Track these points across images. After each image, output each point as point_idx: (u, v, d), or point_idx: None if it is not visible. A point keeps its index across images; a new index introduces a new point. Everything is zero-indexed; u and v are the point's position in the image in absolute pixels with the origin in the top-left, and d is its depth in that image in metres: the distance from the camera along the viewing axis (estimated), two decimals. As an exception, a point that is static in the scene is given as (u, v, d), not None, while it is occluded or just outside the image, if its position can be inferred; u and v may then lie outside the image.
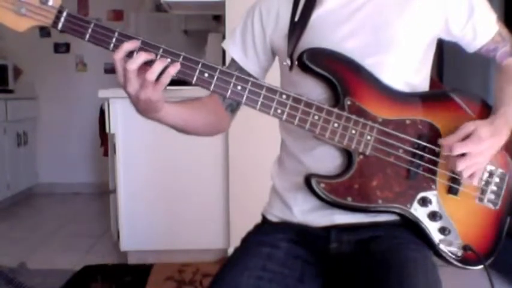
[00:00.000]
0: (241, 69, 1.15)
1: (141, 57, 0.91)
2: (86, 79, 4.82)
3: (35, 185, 4.74)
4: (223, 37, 3.07)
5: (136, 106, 0.98)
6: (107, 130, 2.73)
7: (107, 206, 3.18)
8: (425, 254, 1.03)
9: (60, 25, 0.93)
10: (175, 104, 1.05)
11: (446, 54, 3.11)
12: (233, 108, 1.18)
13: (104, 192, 3.71)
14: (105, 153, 3.38)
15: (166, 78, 0.93)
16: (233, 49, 1.18)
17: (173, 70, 0.93)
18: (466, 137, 0.97)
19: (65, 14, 0.93)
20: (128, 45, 0.92)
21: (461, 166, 0.96)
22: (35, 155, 4.77)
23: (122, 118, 2.68)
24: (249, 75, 1.13)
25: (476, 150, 0.95)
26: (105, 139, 3.49)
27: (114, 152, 2.74)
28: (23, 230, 3.55)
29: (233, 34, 1.19)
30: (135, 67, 0.91)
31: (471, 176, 0.98)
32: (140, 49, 0.93)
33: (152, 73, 0.91)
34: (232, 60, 1.18)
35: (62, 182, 4.77)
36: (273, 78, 1.18)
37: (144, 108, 0.98)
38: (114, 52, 0.92)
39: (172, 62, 0.94)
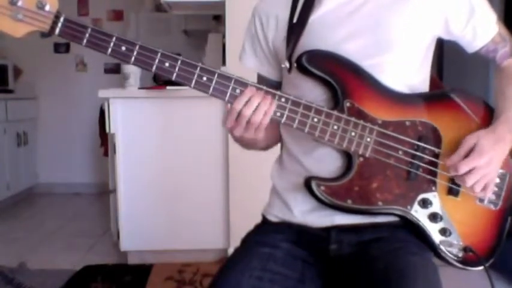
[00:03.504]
0: (268, 80, 1.16)
1: (256, 101, 0.95)
2: (86, 79, 4.82)
3: (35, 185, 4.74)
4: (223, 37, 3.07)
5: (239, 143, 1.07)
6: (107, 130, 2.73)
7: (107, 206, 3.18)
8: (426, 257, 1.02)
9: (57, 30, 0.93)
10: None
11: (446, 54, 3.11)
12: None
13: (104, 192, 3.72)
14: (105, 153, 3.38)
15: (267, 119, 0.97)
16: (248, 61, 1.19)
17: (272, 109, 0.97)
18: (468, 152, 0.97)
19: (62, 19, 0.93)
20: (248, 93, 0.95)
21: (470, 182, 0.96)
22: (35, 155, 4.77)
23: (122, 118, 2.68)
24: (277, 83, 1.16)
25: (481, 163, 0.95)
26: (105, 139, 3.49)
27: (114, 152, 2.74)
28: (23, 230, 3.55)
29: (243, 48, 1.20)
30: (249, 113, 0.95)
31: (484, 188, 0.98)
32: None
33: (258, 114, 0.95)
34: (259, 76, 1.19)
35: (62, 182, 4.77)
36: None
37: (246, 145, 1.07)
38: (233, 103, 0.96)
39: (266, 98, 0.96)
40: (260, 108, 0.95)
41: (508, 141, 1.00)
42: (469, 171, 0.96)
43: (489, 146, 0.97)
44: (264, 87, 0.98)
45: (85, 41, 0.93)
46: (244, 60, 1.19)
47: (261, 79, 1.18)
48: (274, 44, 1.13)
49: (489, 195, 1.01)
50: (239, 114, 0.95)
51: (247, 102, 0.95)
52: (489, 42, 1.09)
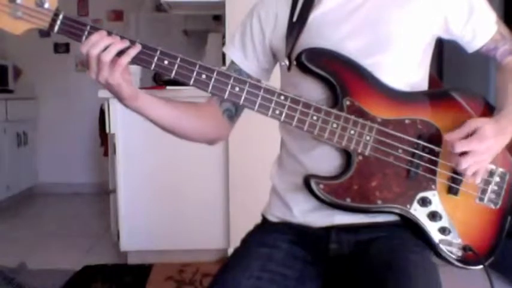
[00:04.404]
0: (240, 71, 1.15)
1: (103, 42, 0.92)
2: (86, 79, 4.78)
3: (35, 185, 4.74)
4: (223, 37, 3.07)
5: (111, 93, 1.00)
6: (107, 130, 2.73)
7: (107, 206, 3.18)
8: (425, 256, 1.02)
9: (56, 28, 0.93)
10: (159, 99, 1.05)
11: (446, 53, 3.11)
12: (231, 114, 1.16)
13: (104, 192, 3.71)
14: (105, 153, 3.38)
15: (125, 59, 0.93)
16: (232, 51, 1.18)
17: (133, 51, 0.94)
18: (469, 134, 0.96)
19: (61, 16, 0.93)
20: (95, 36, 0.92)
21: (464, 164, 0.95)
22: (35, 155, 4.77)
23: (121, 118, 2.68)
24: (248, 76, 1.13)
25: (480, 149, 0.95)
26: (105, 139, 3.49)
27: (114, 152, 2.74)
28: (23, 230, 3.55)
29: (232, 38, 1.19)
30: (96, 52, 0.92)
31: (474, 174, 0.98)
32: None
33: (107, 53, 0.92)
34: (232, 62, 1.18)
35: (62, 182, 4.76)
36: (274, 78, 1.18)
37: (114, 95, 0.99)
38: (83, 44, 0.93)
39: (133, 44, 0.94)
40: (110, 49, 0.92)
41: (508, 133, 0.99)
42: (466, 154, 0.95)
43: (491, 134, 0.96)
44: (264, 85, 0.98)
45: (84, 38, 0.93)
46: (230, 50, 1.18)
47: (240, 73, 1.14)
48: (271, 41, 1.13)
49: (478, 181, 1.01)
50: (88, 55, 0.92)
51: (94, 44, 0.92)
52: (489, 41, 1.10)
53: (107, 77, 0.93)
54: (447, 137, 0.97)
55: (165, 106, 1.06)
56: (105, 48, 0.92)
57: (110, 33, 0.94)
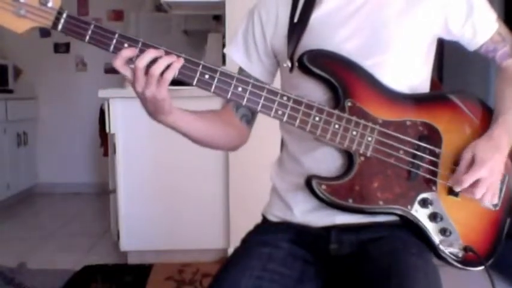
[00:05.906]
0: (249, 77, 1.13)
1: (150, 54, 0.91)
2: (86, 79, 4.82)
3: (35, 185, 4.74)
4: (223, 37, 3.07)
5: (145, 108, 0.98)
6: (107, 130, 2.73)
7: (107, 206, 3.18)
8: (426, 258, 1.02)
9: (60, 26, 0.93)
10: (188, 112, 1.05)
11: (446, 54, 3.11)
12: (248, 119, 1.17)
13: (104, 192, 3.71)
14: (105, 153, 3.38)
15: (170, 74, 0.92)
16: (236, 55, 1.17)
17: (177, 65, 0.92)
18: (470, 164, 0.97)
19: (64, 15, 0.92)
20: (128, 52, 0.91)
21: (479, 194, 0.97)
22: (35, 155, 4.77)
23: (121, 118, 2.68)
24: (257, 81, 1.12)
25: (484, 174, 0.96)
26: (105, 139, 3.49)
27: (114, 152, 2.74)
28: (23, 230, 3.55)
29: (235, 39, 1.18)
30: (143, 65, 0.91)
31: (492, 197, 0.99)
32: (141, 51, 0.92)
33: (157, 68, 0.91)
34: (241, 69, 1.17)
35: (62, 182, 4.77)
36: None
37: (152, 110, 0.98)
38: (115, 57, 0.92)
39: (177, 57, 0.93)
40: (159, 62, 0.91)
41: (505, 144, 1.00)
42: (475, 184, 0.96)
43: (488, 156, 0.97)
44: (267, 86, 0.98)
45: (88, 37, 0.92)
46: (234, 53, 1.18)
47: (244, 74, 1.13)
48: (272, 42, 1.13)
49: (496, 201, 1.02)
50: (135, 67, 0.91)
51: (140, 56, 0.91)
52: (488, 41, 1.10)
53: (154, 91, 0.92)
54: (450, 181, 0.99)
55: (194, 119, 1.05)
56: (153, 62, 0.91)
57: (155, 47, 0.92)
